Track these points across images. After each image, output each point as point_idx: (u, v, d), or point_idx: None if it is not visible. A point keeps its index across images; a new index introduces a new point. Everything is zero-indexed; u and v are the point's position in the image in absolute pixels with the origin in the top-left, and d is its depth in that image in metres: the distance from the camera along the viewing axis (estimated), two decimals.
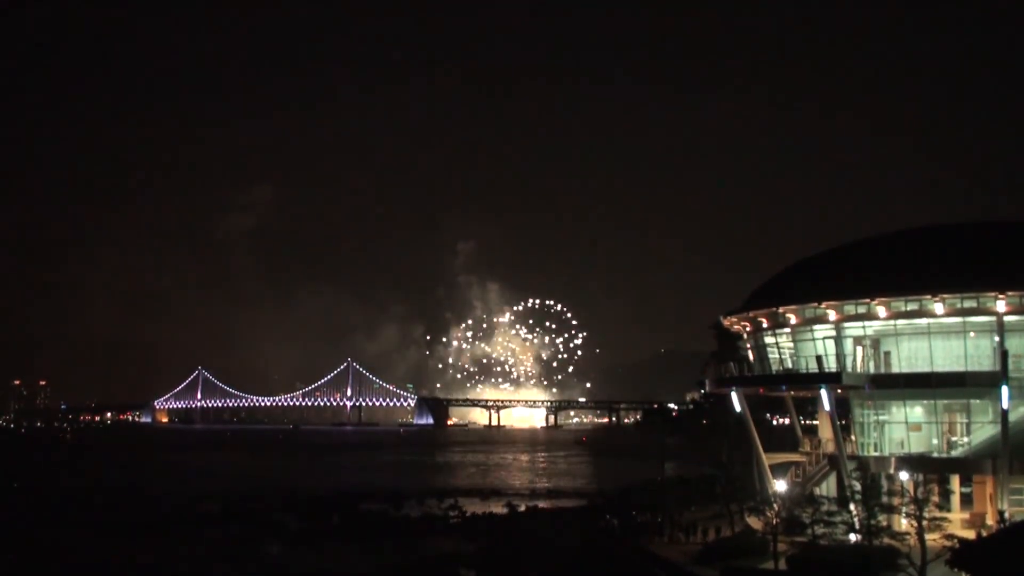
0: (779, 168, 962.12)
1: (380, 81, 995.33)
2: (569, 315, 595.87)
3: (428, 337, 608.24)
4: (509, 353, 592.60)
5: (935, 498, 53.87)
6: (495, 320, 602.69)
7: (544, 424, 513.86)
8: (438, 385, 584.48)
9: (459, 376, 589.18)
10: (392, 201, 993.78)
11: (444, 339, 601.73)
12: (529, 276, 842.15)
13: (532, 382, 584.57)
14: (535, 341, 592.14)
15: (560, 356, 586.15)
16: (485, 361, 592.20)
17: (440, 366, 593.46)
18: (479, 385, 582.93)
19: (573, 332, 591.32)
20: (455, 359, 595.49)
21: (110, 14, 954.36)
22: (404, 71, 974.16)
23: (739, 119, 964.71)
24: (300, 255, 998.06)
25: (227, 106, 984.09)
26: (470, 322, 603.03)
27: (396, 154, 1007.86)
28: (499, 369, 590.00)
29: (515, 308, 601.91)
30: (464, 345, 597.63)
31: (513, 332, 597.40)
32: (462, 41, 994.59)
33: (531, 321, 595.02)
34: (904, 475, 61.69)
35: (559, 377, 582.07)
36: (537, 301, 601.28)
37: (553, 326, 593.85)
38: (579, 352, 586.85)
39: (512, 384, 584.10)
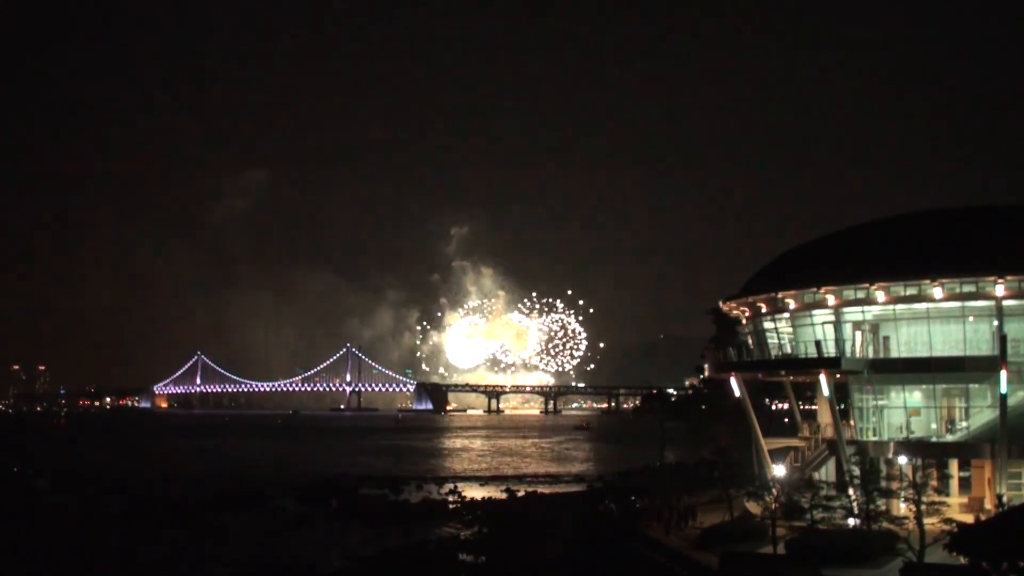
0: (779, 154, 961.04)
1: (375, 66, 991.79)
2: (567, 299, 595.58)
3: (423, 324, 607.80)
4: (507, 338, 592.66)
5: (934, 483, 53.94)
6: (491, 305, 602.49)
7: (543, 410, 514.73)
8: (440, 370, 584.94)
9: (456, 361, 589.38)
10: (387, 185, 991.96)
11: (439, 325, 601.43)
12: (525, 262, 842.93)
13: (531, 367, 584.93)
14: (532, 326, 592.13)
15: (558, 341, 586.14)
16: (483, 347, 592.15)
17: (436, 351, 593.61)
18: (477, 371, 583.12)
19: (571, 317, 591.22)
20: (452, 344, 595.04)
21: (107, 2, 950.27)
22: (398, 55, 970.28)
23: (740, 105, 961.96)
24: (296, 239, 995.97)
25: (222, 91, 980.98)
26: (465, 307, 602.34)
27: (391, 138, 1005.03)
28: (497, 355, 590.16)
29: (512, 293, 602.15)
30: (460, 331, 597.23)
31: (511, 317, 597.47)
32: (457, 25, 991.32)
33: (528, 306, 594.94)
34: (903, 460, 61.78)
35: (558, 362, 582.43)
36: (535, 287, 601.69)
37: (551, 311, 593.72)
38: (577, 337, 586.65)
39: (511, 370, 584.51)
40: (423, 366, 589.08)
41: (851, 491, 57.25)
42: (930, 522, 48.00)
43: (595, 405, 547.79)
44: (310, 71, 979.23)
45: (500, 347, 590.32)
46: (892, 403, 65.65)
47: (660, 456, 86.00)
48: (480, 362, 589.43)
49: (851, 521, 56.03)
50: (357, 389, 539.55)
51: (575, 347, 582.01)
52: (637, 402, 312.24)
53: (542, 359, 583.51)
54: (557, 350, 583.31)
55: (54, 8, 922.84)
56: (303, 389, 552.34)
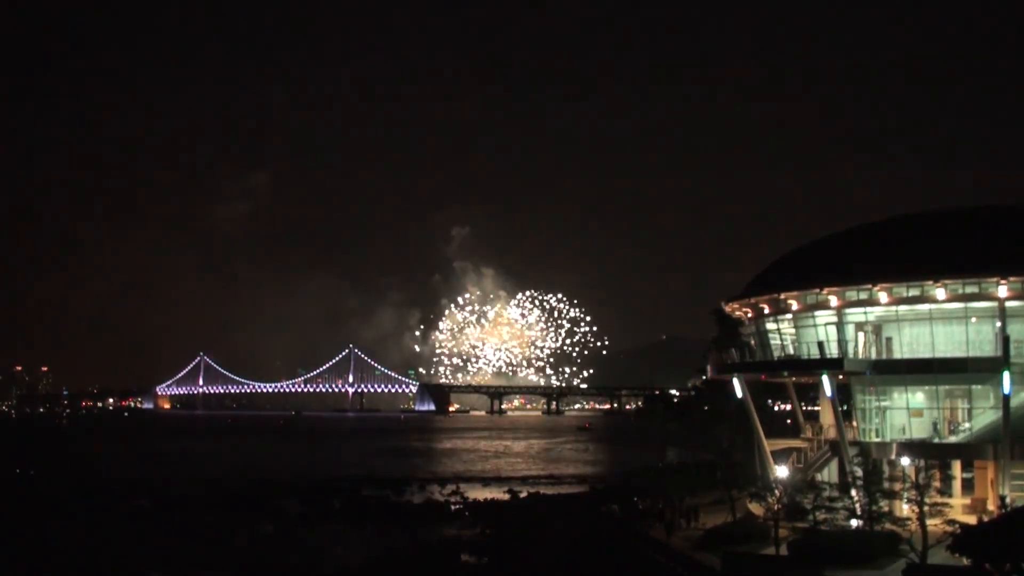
0: (781, 155, 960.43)
1: (377, 68, 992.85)
2: (568, 300, 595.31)
3: (423, 325, 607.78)
4: (508, 339, 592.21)
5: (936, 484, 53.88)
6: (493, 306, 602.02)
7: (546, 410, 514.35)
8: (443, 371, 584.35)
9: (457, 362, 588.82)
10: (388, 186, 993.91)
11: (441, 325, 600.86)
12: (526, 262, 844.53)
13: (533, 368, 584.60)
14: (535, 327, 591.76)
15: (561, 342, 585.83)
16: (483, 347, 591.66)
17: (438, 352, 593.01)
18: (478, 371, 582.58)
19: (573, 318, 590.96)
20: (452, 345, 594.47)
21: (108, 4, 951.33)
22: (401, 59, 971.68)
23: (740, 107, 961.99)
24: (298, 241, 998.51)
25: (224, 93, 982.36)
26: (467, 308, 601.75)
27: (392, 139, 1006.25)
28: (498, 355, 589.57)
29: (514, 294, 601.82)
30: (461, 331, 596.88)
31: (512, 318, 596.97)
32: (459, 29, 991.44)
33: (531, 307, 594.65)
34: (905, 461, 61.72)
35: (560, 363, 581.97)
36: (537, 288, 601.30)
37: (553, 312, 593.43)
38: (580, 338, 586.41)
39: (513, 370, 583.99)
40: (423, 368, 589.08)
41: (854, 492, 57.18)
42: (933, 523, 47.96)
43: (597, 406, 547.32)
44: (311, 73, 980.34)
45: (502, 347, 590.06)
46: (895, 404, 65.58)
47: (663, 457, 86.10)
48: (482, 363, 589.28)
49: (854, 522, 55.97)
50: (360, 390, 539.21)
51: (576, 347, 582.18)
52: (639, 403, 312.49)
53: (544, 359, 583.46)
54: (559, 351, 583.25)
55: (57, 8, 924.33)
56: (305, 390, 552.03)
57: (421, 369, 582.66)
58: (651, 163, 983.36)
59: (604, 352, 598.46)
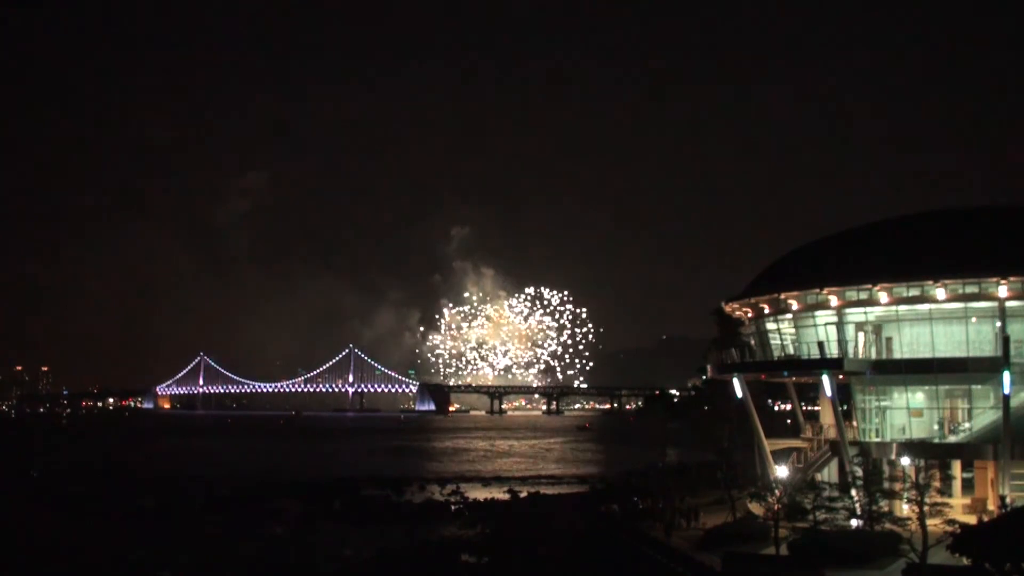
0: (781, 155, 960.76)
1: (376, 66, 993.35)
2: (568, 300, 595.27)
3: (423, 325, 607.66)
4: (507, 339, 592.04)
5: (936, 483, 53.91)
6: (492, 306, 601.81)
7: (546, 410, 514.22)
8: (442, 371, 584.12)
9: (456, 362, 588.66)
10: (388, 186, 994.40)
11: (441, 325, 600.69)
12: (526, 262, 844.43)
13: (532, 368, 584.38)
14: (534, 327, 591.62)
15: (560, 342, 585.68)
16: (483, 347, 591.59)
17: (437, 352, 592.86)
18: (478, 371, 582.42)
19: (573, 318, 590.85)
20: (452, 345, 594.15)
21: (110, 5, 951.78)
22: (400, 56, 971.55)
23: (741, 107, 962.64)
24: (297, 241, 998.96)
25: (223, 92, 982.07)
26: (466, 308, 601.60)
27: (392, 138, 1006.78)
28: (498, 355, 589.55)
29: (513, 293, 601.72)
30: (461, 331, 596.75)
31: (512, 318, 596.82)
32: (459, 26, 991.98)
33: (530, 307, 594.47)
34: (905, 461, 61.74)
35: (560, 363, 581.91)
36: (536, 287, 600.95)
37: (553, 312, 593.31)
38: (579, 338, 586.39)
39: (512, 370, 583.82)
40: (423, 368, 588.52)
41: (854, 492, 57.26)
42: (933, 523, 47.97)
43: (597, 406, 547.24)
44: (311, 74, 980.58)
45: (502, 347, 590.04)
46: (895, 404, 65.61)
47: (663, 457, 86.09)
48: (481, 363, 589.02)
49: (854, 522, 56.03)
50: (360, 390, 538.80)
51: (576, 347, 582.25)
52: (639, 403, 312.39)
53: (544, 359, 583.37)
54: (559, 350, 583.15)
55: (58, 11, 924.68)
56: (305, 390, 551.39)
57: (421, 369, 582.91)
58: (651, 163, 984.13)
59: (604, 352, 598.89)
